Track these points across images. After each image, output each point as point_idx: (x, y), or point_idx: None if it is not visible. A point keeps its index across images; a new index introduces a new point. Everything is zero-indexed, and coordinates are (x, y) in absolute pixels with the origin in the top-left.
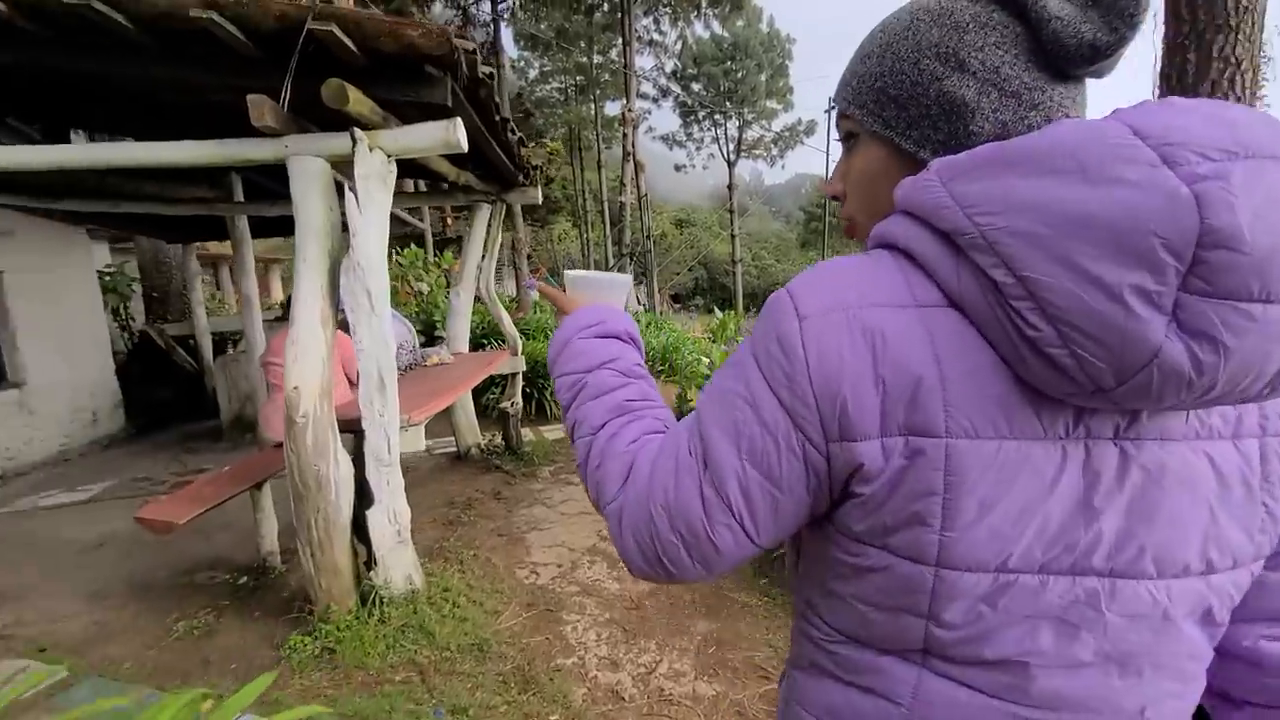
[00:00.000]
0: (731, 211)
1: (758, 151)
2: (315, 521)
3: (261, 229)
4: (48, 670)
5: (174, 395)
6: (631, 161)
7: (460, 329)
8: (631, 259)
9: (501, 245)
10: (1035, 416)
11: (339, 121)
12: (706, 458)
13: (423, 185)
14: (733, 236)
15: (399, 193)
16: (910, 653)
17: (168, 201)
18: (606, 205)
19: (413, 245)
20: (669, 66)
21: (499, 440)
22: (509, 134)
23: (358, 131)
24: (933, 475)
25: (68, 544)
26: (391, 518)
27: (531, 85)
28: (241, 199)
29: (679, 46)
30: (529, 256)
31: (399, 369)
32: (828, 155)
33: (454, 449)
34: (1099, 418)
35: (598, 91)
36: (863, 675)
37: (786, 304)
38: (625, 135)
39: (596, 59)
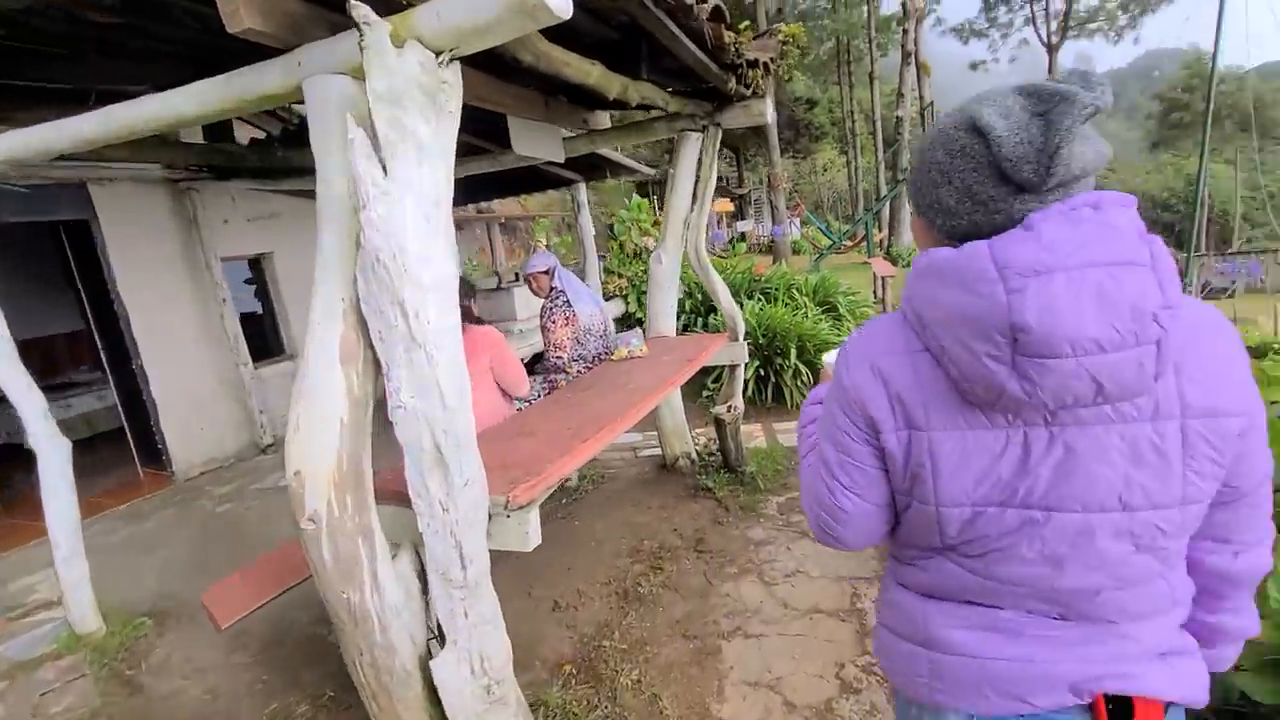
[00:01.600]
0: None
1: (1094, 25)
2: (360, 664)
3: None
4: None
5: None
6: (913, 64)
7: (661, 306)
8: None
9: (761, 182)
10: (983, 416)
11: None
12: (822, 456)
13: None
14: None
15: (590, 132)
16: (934, 549)
17: None
18: (880, 124)
19: (637, 196)
20: None
21: (716, 446)
22: (698, 7)
23: (364, 10)
24: (922, 452)
25: (260, 538)
26: (477, 666)
27: None
28: None
29: None
30: (791, 193)
31: (585, 361)
32: (1220, 14)
33: (660, 453)
34: (1029, 412)
35: None
36: (915, 559)
37: (842, 356)
38: (905, 32)
39: None
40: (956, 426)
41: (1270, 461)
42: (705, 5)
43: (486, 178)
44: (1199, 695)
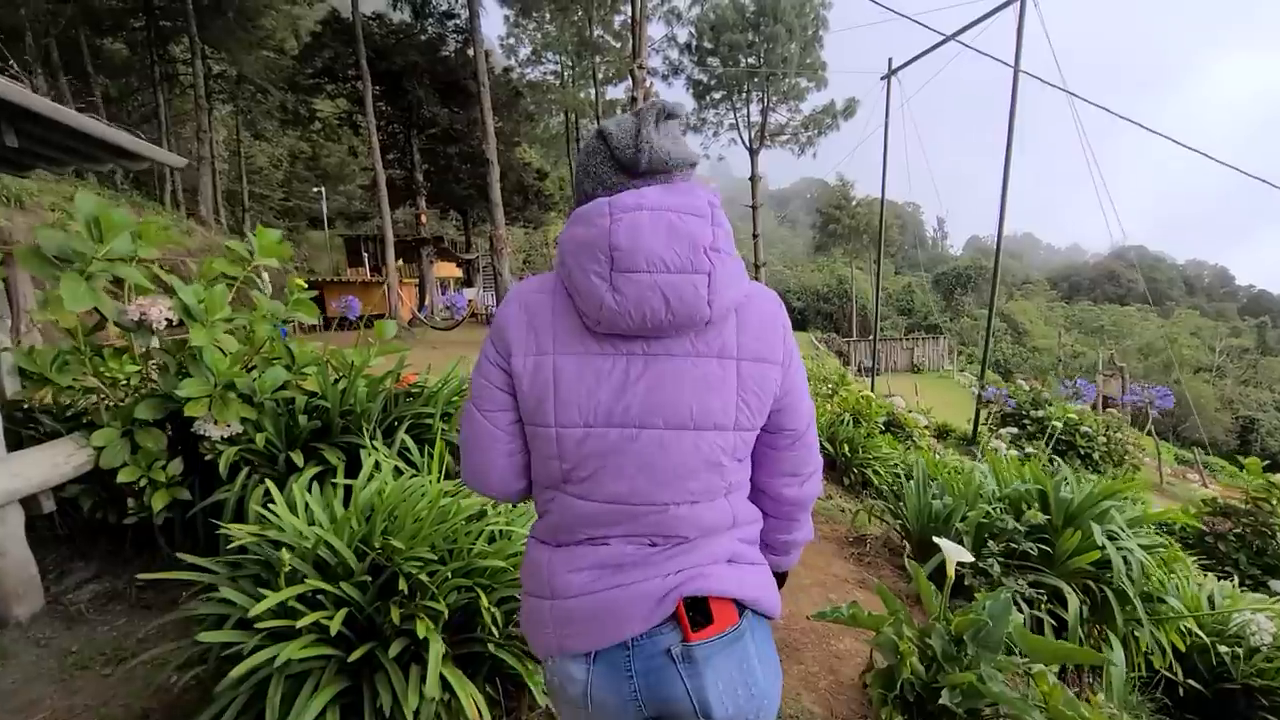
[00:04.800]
0: (755, 209)
1: (783, 138)
2: None
3: None
4: None
5: None
6: None
7: None
8: None
9: (464, 248)
10: (597, 342)
11: None
12: (471, 385)
13: None
14: (755, 236)
15: None
16: (554, 485)
17: None
18: None
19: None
20: (682, 37)
21: None
22: None
23: None
24: (547, 373)
25: None
26: None
27: (523, 66)
28: None
29: (694, 12)
30: (524, 263)
31: None
32: (886, 136)
33: None
34: (631, 342)
35: (598, 63)
36: (545, 504)
37: (505, 297)
38: (634, 100)
39: (598, 33)
40: (576, 351)
41: (811, 408)
42: None
43: None
44: (767, 600)
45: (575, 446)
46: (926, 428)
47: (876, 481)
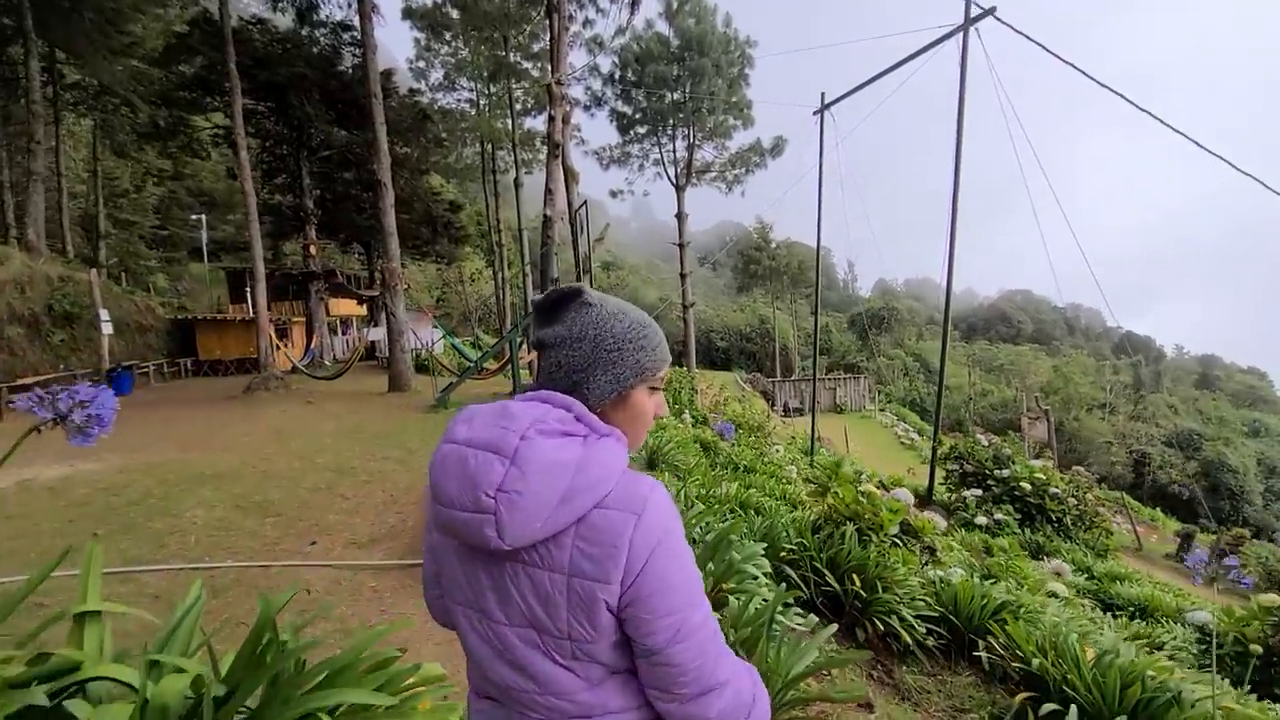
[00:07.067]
0: (681, 247)
1: (710, 175)
2: None
3: None
4: None
5: None
6: (560, 159)
7: None
8: None
9: (368, 283)
10: (470, 553)
11: None
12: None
13: None
14: (682, 275)
15: None
16: (465, 650)
17: None
18: (524, 234)
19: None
20: (605, 67)
21: None
22: None
23: None
24: (439, 552)
25: None
26: None
27: (433, 91)
28: None
29: (618, 42)
30: (439, 300)
31: None
32: (821, 172)
33: None
34: (485, 553)
35: (515, 90)
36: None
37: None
38: (552, 120)
39: (515, 58)
40: (454, 552)
41: (674, 632)
42: None
43: None
44: None
45: (457, 621)
46: (947, 534)
47: (907, 637)
